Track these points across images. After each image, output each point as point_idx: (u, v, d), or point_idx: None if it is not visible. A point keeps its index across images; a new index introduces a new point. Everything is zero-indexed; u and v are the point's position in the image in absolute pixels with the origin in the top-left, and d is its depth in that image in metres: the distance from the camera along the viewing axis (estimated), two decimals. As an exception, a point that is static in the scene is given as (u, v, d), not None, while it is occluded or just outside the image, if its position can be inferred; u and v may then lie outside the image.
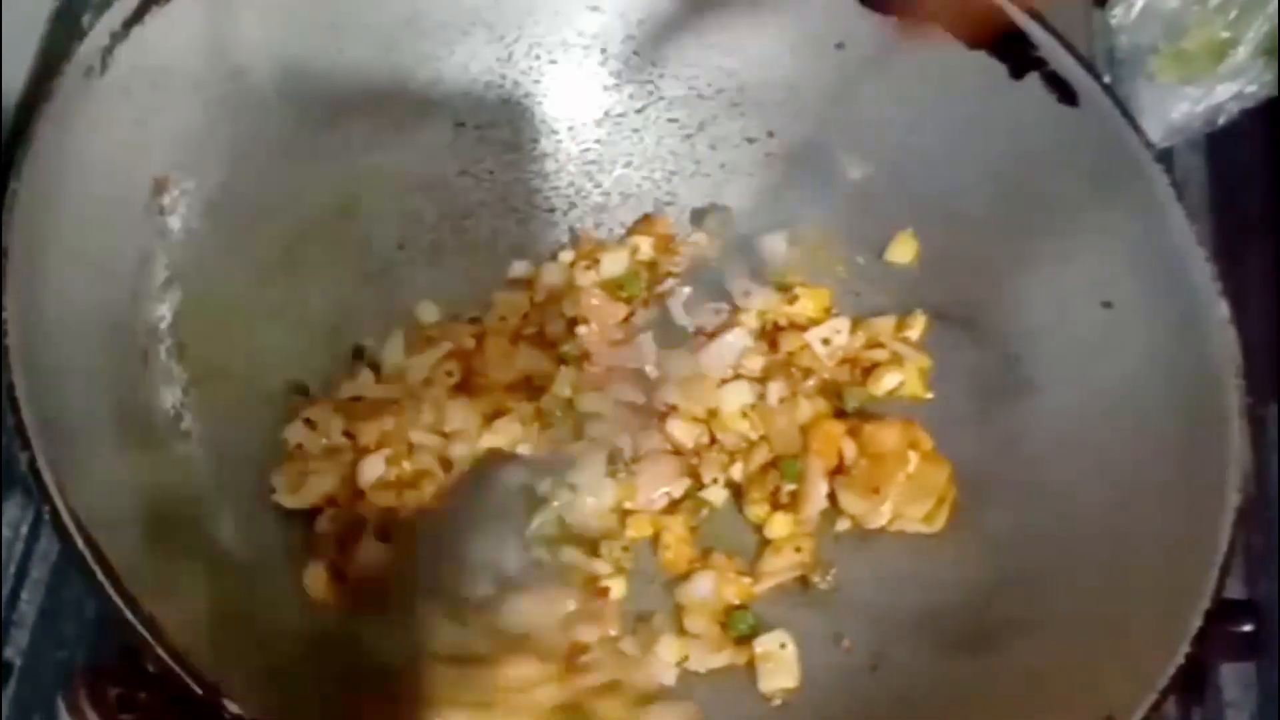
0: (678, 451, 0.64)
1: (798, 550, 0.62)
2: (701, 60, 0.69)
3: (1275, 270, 0.68)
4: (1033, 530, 0.60)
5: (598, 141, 0.70)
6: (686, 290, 0.67)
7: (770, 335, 0.66)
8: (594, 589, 0.60)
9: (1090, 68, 0.62)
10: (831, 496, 0.63)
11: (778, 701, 0.59)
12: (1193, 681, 0.62)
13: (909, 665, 0.59)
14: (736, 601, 0.61)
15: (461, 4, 0.67)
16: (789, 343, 0.66)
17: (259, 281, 0.63)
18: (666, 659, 0.59)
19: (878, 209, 0.68)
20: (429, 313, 0.66)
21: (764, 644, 0.59)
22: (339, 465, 0.61)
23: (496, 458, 0.62)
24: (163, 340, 0.60)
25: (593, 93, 0.70)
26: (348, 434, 0.61)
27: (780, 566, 0.62)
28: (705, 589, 0.61)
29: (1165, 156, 0.65)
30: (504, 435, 0.63)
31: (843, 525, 0.63)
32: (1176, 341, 0.59)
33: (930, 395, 0.65)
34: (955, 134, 0.65)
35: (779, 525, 0.62)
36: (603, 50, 0.69)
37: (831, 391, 0.66)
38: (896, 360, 0.65)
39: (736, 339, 0.65)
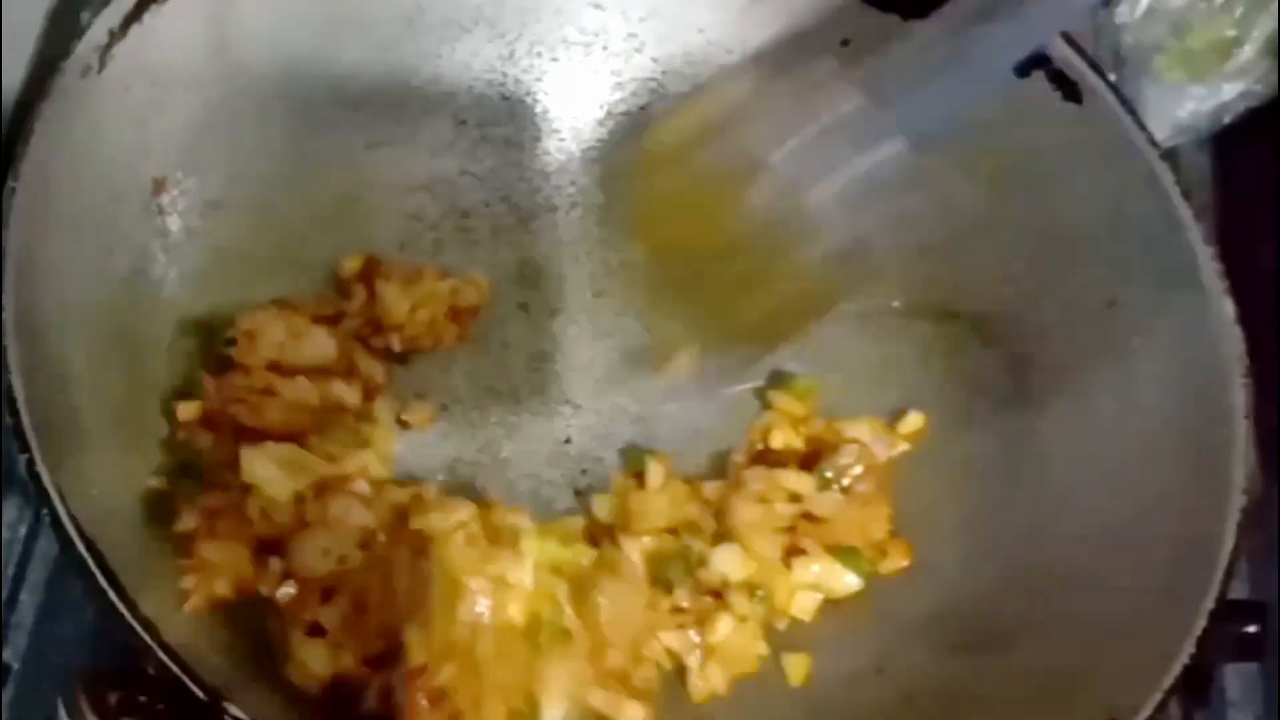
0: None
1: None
2: (704, 58, 0.69)
3: (1281, 268, 0.68)
4: (1038, 531, 0.60)
5: (600, 140, 0.70)
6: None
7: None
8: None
9: (1095, 66, 0.62)
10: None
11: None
12: (1196, 682, 0.62)
13: (914, 667, 0.58)
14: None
15: (463, 1, 0.67)
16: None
17: (259, 282, 0.63)
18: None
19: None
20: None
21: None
22: None
23: None
24: (162, 340, 0.60)
25: (595, 90, 0.70)
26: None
27: None
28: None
29: (1171, 155, 0.65)
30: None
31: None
32: (1182, 341, 0.59)
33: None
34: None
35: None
36: (604, 48, 0.69)
37: None
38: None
39: None
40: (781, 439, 0.64)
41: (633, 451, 0.64)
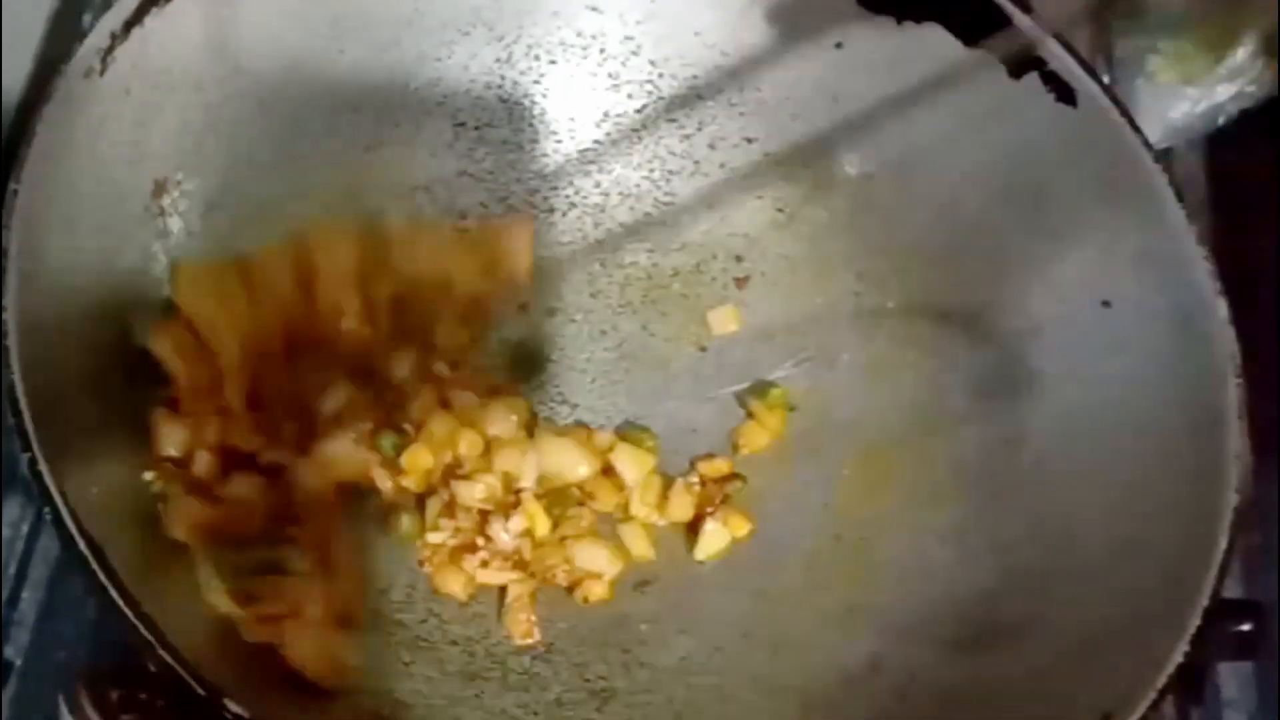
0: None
1: None
2: (700, 60, 0.69)
3: (1275, 270, 0.68)
4: (1033, 530, 0.60)
5: (597, 142, 0.70)
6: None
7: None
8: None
9: (1089, 67, 0.62)
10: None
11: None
12: (1191, 681, 0.62)
13: (909, 666, 0.58)
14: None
15: (461, 4, 0.67)
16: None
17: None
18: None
19: (878, 208, 0.68)
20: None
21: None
22: None
23: None
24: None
25: (592, 93, 0.70)
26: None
27: None
28: None
29: (1165, 156, 0.65)
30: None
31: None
32: (1176, 341, 0.59)
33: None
34: (954, 133, 0.65)
35: None
36: (602, 50, 0.69)
37: None
38: None
39: None
40: (751, 446, 0.66)
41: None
